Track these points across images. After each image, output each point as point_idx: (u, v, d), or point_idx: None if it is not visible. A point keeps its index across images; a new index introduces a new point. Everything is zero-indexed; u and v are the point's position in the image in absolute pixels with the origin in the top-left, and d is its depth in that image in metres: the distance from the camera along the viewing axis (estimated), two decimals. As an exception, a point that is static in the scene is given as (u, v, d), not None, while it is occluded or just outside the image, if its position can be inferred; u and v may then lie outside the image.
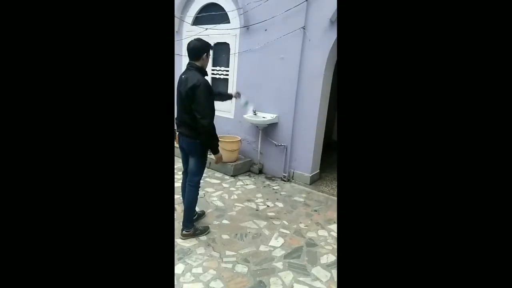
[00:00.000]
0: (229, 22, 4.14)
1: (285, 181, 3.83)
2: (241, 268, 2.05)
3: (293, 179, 3.84)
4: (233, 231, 2.52)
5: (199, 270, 2.00)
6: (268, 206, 3.08)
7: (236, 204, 3.06)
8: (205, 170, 3.99)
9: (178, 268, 1.99)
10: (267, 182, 3.77)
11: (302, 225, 2.71)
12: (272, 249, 2.31)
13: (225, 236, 2.44)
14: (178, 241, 2.30)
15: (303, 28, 3.42)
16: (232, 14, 4.06)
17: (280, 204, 3.14)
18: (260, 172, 4.08)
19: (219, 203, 3.05)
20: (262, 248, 2.32)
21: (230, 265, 2.07)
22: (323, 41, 3.30)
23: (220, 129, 4.41)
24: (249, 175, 3.99)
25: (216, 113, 4.42)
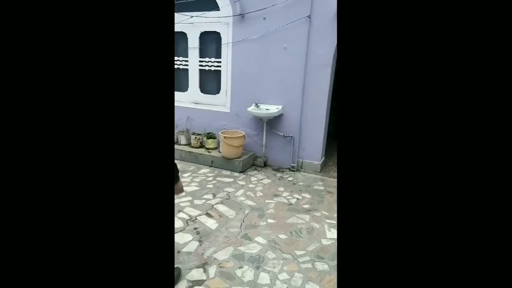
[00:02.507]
0: (218, 10, 3.88)
1: (293, 171, 3.86)
2: (322, 266, 2.05)
3: (302, 168, 3.89)
4: (285, 229, 2.48)
5: (285, 275, 1.94)
6: (297, 199, 3.09)
7: (267, 201, 3.00)
8: (210, 169, 3.81)
9: (263, 278, 1.90)
10: (279, 174, 3.76)
11: (341, 213, 2.80)
12: (334, 241, 2.35)
13: (282, 236, 2.38)
14: (242, 249, 2.18)
15: (309, 17, 3.40)
16: (222, 2, 3.81)
17: (307, 195, 3.17)
18: (265, 164, 4.04)
19: (250, 202, 2.95)
20: (324, 242, 2.34)
21: (309, 265, 2.05)
22: (330, 30, 3.34)
23: (215, 124, 4.22)
24: (256, 169, 3.91)
25: (211, 107, 4.25)
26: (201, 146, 4.21)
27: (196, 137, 4.17)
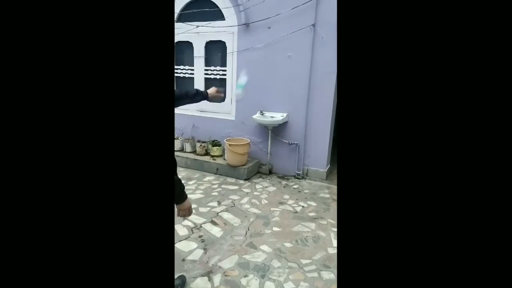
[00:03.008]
0: (223, 19, 3.94)
1: (299, 178, 3.84)
2: (328, 275, 2.02)
3: (307, 176, 3.87)
4: (291, 238, 2.46)
5: (291, 285, 1.91)
6: (303, 206, 3.06)
7: (272, 209, 2.98)
8: (215, 177, 3.82)
9: (269, 287, 1.88)
10: (284, 182, 3.74)
11: (347, 221, 2.77)
12: (340, 249, 2.32)
13: (287, 244, 2.36)
14: (247, 257, 2.16)
15: (313, 25, 3.42)
16: (228, 11, 3.87)
17: (313, 203, 3.15)
18: (270, 172, 4.02)
19: (255, 210, 2.93)
20: (331, 250, 2.31)
21: (315, 274, 2.02)
22: (334, 38, 3.34)
23: (220, 132, 4.24)
24: (261, 177, 3.90)
25: (215, 115, 4.29)
26: (206, 153, 4.22)
27: (201, 145, 4.19)
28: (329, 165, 3.97)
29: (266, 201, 3.15)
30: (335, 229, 2.61)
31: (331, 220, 2.79)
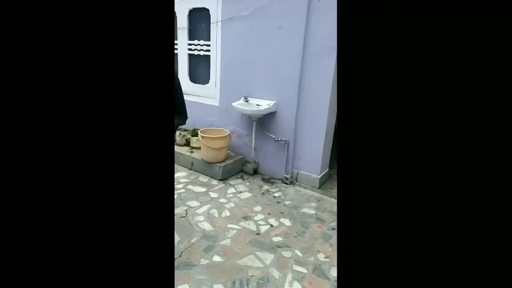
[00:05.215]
0: (208, -19, 3.19)
1: (287, 183, 3.09)
2: None
3: (297, 181, 3.10)
4: (229, 276, 1.78)
5: None
6: (271, 225, 2.34)
7: (229, 225, 2.31)
8: (188, 173, 3.23)
9: None
10: (266, 187, 3.01)
11: (321, 257, 2.00)
12: (288, 307, 1.59)
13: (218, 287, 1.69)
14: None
15: (309, -16, 2.55)
16: (212, -30, 3.10)
17: (287, 222, 2.41)
18: (255, 172, 3.32)
19: (207, 226, 2.28)
20: (274, 307, 1.60)
21: None
22: (333, 6, 2.45)
23: (204, 120, 3.60)
24: (241, 177, 3.21)
25: (198, 99, 3.63)
26: (188, 144, 3.63)
27: (180, 134, 3.60)
28: (327, 170, 3.14)
29: (228, 214, 2.48)
30: (298, 268, 1.88)
31: (299, 251, 2.04)
